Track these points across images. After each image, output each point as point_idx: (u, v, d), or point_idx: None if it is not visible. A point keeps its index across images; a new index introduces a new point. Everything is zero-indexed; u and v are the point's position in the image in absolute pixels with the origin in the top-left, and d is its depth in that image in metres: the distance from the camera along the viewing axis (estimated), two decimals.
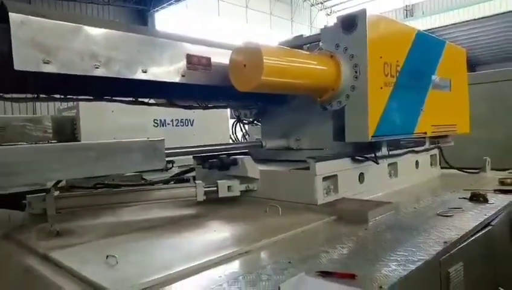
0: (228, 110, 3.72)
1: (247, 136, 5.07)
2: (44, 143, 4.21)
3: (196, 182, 2.28)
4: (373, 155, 2.43)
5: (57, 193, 2.01)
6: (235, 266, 1.35)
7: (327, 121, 2.47)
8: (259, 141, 2.80)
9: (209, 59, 2.22)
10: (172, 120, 5.18)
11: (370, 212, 1.88)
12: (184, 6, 21.50)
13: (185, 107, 2.72)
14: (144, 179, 3.28)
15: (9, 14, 1.51)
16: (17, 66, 1.52)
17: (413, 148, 2.99)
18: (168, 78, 2.05)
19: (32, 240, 1.68)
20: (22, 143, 4.06)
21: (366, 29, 2.18)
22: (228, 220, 2.00)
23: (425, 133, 2.78)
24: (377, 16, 2.32)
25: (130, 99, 2.27)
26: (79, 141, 4.22)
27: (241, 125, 3.89)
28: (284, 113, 2.93)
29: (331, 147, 2.50)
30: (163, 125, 5.08)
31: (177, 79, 2.08)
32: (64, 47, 1.66)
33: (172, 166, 3.51)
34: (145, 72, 1.93)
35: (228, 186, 2.29)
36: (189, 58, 2.13)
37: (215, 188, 2.26)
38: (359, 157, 2.38)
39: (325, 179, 2.14)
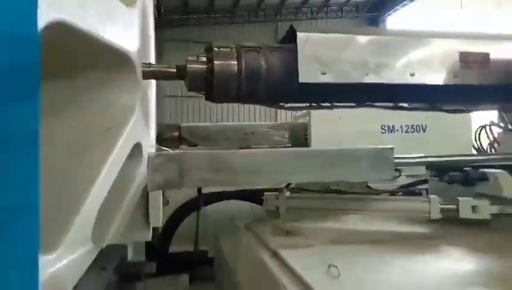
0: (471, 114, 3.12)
1: (495, 145, 4.15)
2: (280, 147, 4.75)
3: (430, 196, 1.97)
4: None
5: (288, 193, 2.17)
6: None
7: None
8: None
9: (486, 55, 1.90)
10: (401, 126, 4.80)
11: None
12: (418, 4, 20.02)
13: (448, 111, 2.40)
14: (369, 186, 3.14)
15: (298, 33, 1.72)
16: (302, 79, 1.71)
17: None
18: (437, 81, 1.87)
19: (266, 234, 1.85)
20: (265, 146, 4.71)
21: None
22: (474, 249, 1.60)
23: None
24: None
25: (390, 104, 2.18)
26: (309, 145, 4.53)
27: (488, 131, 3.24)
28: None
29: None
30: (391, 132, 4.77)
31: (448, 80, 1.87)
32: (338, 58, 1.77)
33: (400, 175, 3.24)
34: (413, 75, 1.83)
35: (473, 207, 1.87)
36: (463, 56, 1.87)
37: (454, 207, 1.89)
38: None
39: None
